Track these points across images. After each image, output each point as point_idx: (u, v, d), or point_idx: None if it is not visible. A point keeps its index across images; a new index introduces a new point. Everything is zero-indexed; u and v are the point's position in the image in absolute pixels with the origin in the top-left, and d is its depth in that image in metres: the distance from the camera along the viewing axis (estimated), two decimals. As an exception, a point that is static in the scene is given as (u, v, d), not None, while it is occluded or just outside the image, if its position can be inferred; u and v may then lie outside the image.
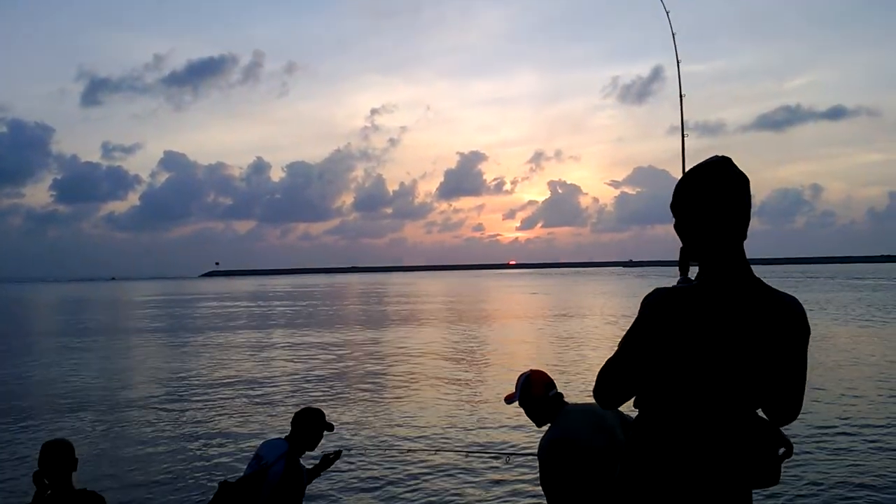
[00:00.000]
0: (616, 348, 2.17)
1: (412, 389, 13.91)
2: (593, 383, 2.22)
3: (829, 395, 12.16)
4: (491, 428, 10.36)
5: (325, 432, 4.86)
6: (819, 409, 10.99)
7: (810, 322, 2.15)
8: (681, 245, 2.27)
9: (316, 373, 16.31)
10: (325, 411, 4.95)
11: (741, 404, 2.10)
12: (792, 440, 2.24)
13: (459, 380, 14.94)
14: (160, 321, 36.56)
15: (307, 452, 4.77)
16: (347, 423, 10.72)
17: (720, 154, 2.17)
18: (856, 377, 13.91)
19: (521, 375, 2.92)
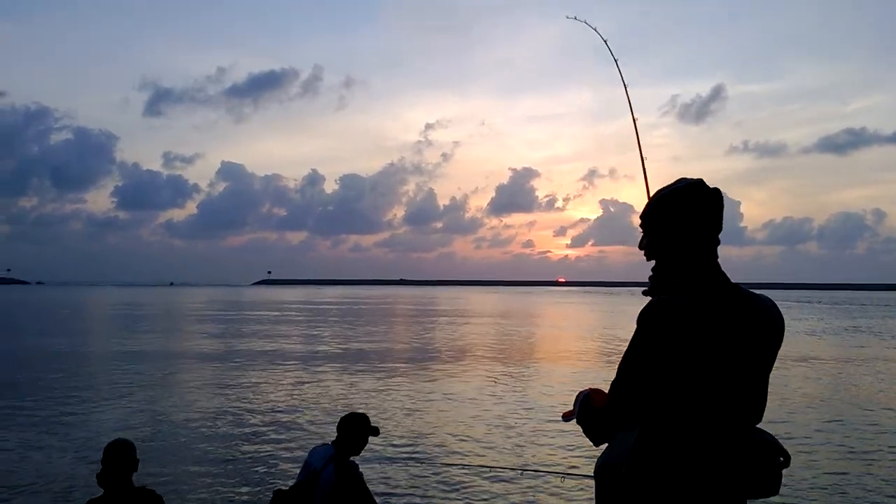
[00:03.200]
0: (620, 370, 2.19)
1: (462, 398, 13.96)
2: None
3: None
4: (545, 446, 10.21)
5: (371, 437, 4.95)
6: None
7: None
8: (651, 263, 2.36)
9: (363, 385, 16.43)
10: (370, 418, 5.06)
11: (744, 414, 2.17)
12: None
13: (509, 390, 14.99)
14: (216, 325, 37.48)
15: (353, 457, 4.87)
16: (396, 435, 10.76)
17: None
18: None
19: (581, 393, 2.94)
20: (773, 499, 2.27)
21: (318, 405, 12.96)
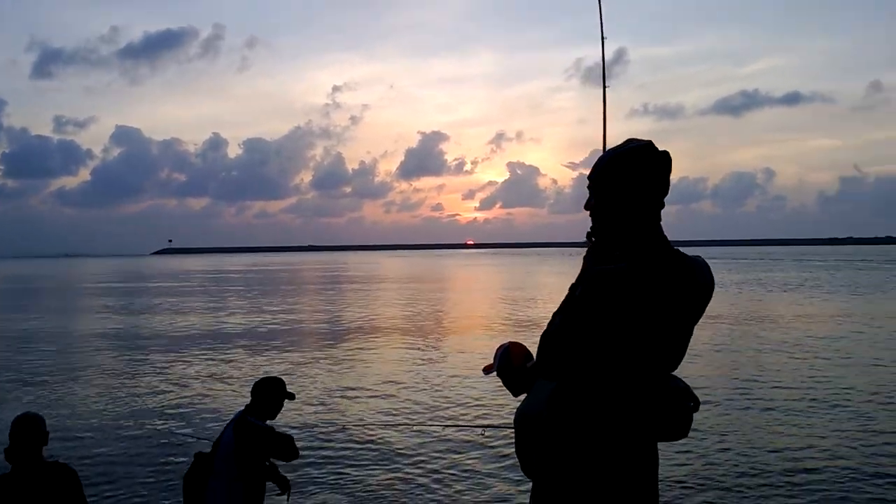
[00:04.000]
0: (556, 320, 2.27)
1: (381, 365, 13.95)
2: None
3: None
4: (466, 403, 10.43)
5: (287, 401, 4.88)
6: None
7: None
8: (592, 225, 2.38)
9: (278, 351, 16.22)
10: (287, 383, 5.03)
11: (662, 364, 2.29)
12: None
13: (426, 352, 15.04)
14: (116, 300, 35.91)
15: (269, 421, 4.78)
16: (315, 401, 10.72)
17: (640, 140, 2.29)
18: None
19: (500, 347, 2.98)
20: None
21: (233, 379, 12.65)
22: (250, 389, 4.83)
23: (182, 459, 7.56)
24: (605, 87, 3.41)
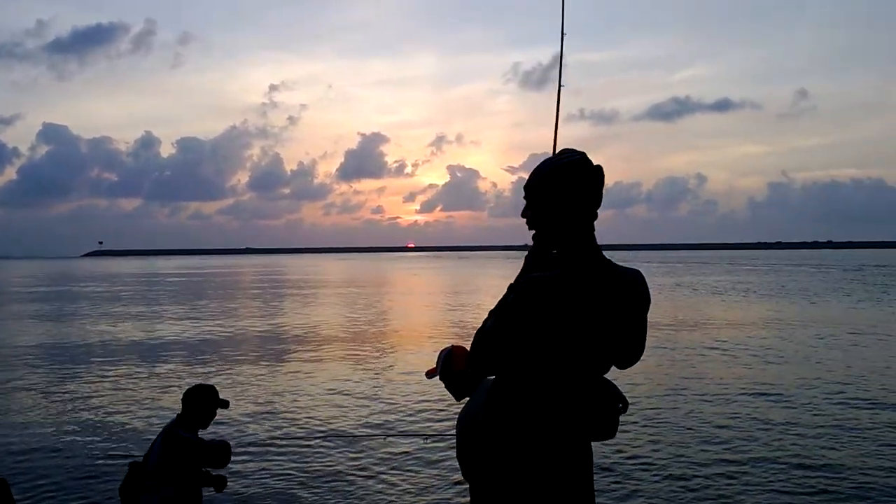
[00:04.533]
0: (489, 321, 2.37)
1: (321, 373, 13.72)
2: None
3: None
4: (408, 412, 10.34)
5: (220, 409, 4.81)
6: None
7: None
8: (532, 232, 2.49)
9: (211, 358, 15.90)
10: (219, 391, 4.91)
11: (593, 370, 2.40)
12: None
13: (367, 360, 14.94)
14: (40, 306, 34.54)
15: (202, 431, 4.72)
16: (250, 412, 10.47)
17: (574, 149, 2.41)
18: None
19: (443, 350, 2.99)
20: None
21: (167, 389, 12.29)
22: (181, 398, 4.73)
23: (115, 470, 7.36)
24: (560, 88, 3.43)
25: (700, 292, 35.48)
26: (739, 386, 11.74)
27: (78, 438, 9.02)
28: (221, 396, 4.88)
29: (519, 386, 2.36)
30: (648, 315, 2.48)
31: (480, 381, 3.34)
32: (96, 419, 10.05)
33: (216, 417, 4.87)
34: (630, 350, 2.47)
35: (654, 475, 7.36)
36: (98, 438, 9.06)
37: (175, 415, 4.72)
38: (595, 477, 2.52)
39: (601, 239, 2.43)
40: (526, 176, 2.48)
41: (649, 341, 2.59)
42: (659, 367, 13.61)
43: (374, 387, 12.17)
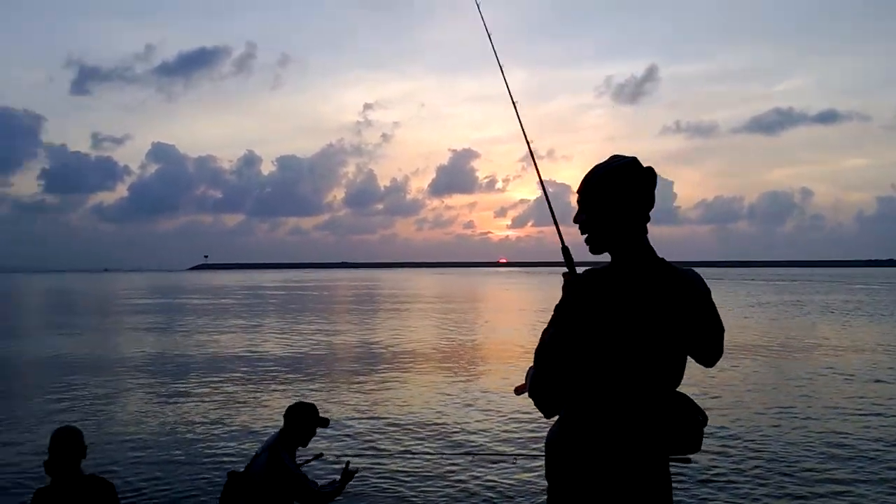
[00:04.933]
0: (541, 336, 2.38)
1: (414, 390, 13.75)
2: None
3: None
4: (498, 427, 10.28)
5: (319, 428, 4.91)
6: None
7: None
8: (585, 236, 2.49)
9: (309, 373, 16.22)
10: (319, 408, 4.98)
11: (658, 373, 2.33)
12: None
13: (459, 377, 14.84)
14: (151, 312, 36.45)
15: (300, 448, 4.84)
16: (344, 424, 10.61)
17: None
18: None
19: (531, 367, 2.95)
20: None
21: (267, 402, 12.57)
22: (283, 414, 4.83)
23: (215, 478, 7.63)
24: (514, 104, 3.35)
25: (810, 312, 33.68)
26: (852, 407, 11.11)
27: (180, 447, 9.35)
28: (321, 414, 4.95)
29: (587, 396, 2.34)
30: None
31: (543, 390, 3.29)
32: (199, 429, 10.39)
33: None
34: (705, 345, 2.39)
35: (761, 490, 7.05)
36: (199, 448, 9.38)
37: (277, 430, 4.82)
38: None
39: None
40: None
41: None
42: (765, 386, 12.95)
43: (465, 404, 12.09)
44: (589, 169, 2.50)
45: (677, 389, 2.40)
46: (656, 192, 2.45)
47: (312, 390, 13.55)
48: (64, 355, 19.21)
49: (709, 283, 2.45)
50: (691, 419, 2.34)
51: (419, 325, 28.71)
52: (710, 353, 2.41)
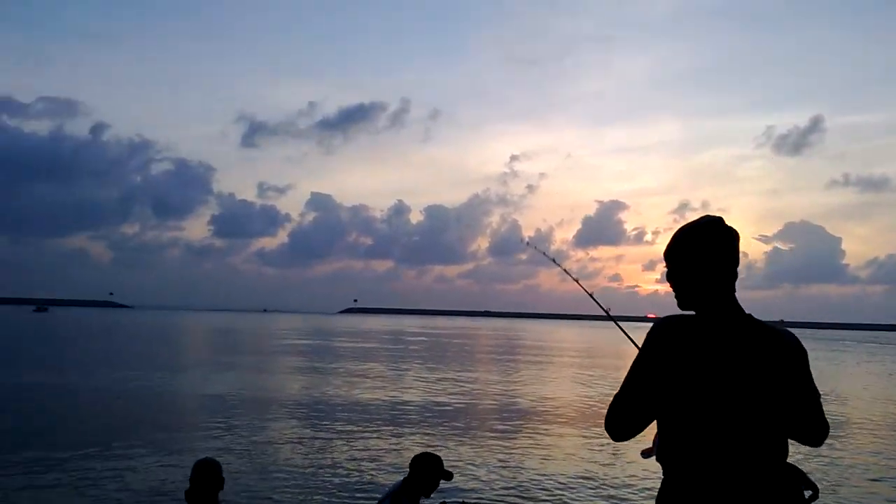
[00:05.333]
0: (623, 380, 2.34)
1: (549, 451, 13.44)
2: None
3: None
4: (626, 489, 10.04)
5: (443, 480, 4.92)
6: None
7: None
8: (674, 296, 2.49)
9: (443, 425, 16.24)
10: (449, 460, 4.97)
11: (755, 437, 2.19)
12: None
13: (597, 438, 14.31)
14: (304, 353, 38.15)
15: (423, 499, 4.87)
16: (476, 473, 10.57)
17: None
18: None
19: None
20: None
21: (394, 452, 12.62)
22: (409, 463, 4.91)
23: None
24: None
25: None
26: None
27: (315, 487, 9.75)
28: (446, 467, 4.98)
29: (691, 457, 2.21)
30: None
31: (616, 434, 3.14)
32: (333, 471, 10.74)
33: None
34: (801, 413, 2.25)
35: None
36: (331, 488, 9.73)
37: (402, 479, 4.88)
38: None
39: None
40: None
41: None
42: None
43: (602, 465, 11.80)
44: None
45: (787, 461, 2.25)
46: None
47: (441, 444, 13.55)
48: (223, 392, 20.37)
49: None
50: (797, 493, 2.22)
51: (558, 379, 28.15)
52: (809, 424, 2.27)
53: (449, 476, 4.94)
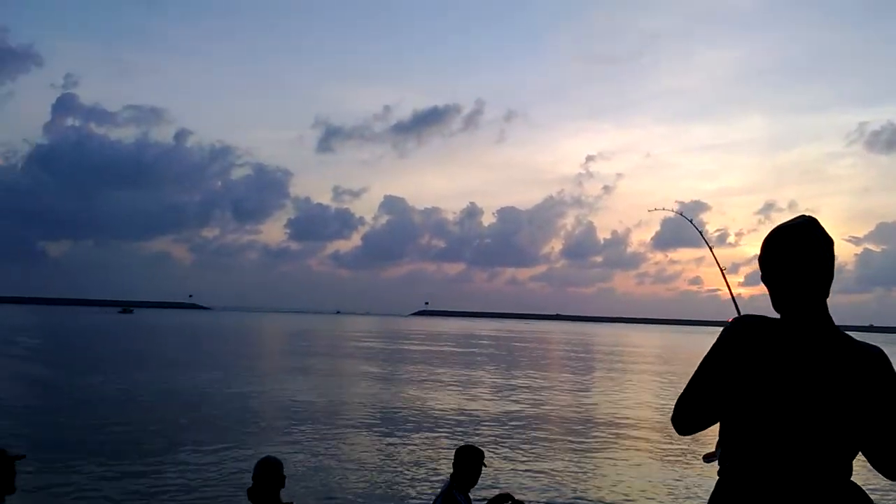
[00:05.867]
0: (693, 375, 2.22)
1: (614, 448, 13.41)
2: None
3: None
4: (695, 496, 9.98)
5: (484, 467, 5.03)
6: None
7: None
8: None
9: (513, 436, 15.77)
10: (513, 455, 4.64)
11: (820, 452, 2.05)
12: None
13: (669, 448, 13.66)
14: (375, 358, 38.29)
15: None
16: (543, 475, 10.62)
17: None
18: None
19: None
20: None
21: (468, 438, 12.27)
22: (453, 455, 5.05)
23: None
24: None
25: None
26: None
27: (378, 489, 10.00)
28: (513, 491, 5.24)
29: (749, 462, 2.10)
30: None
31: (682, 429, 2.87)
32: (395, 478, 10.82)
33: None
34: (881, 436, 2.05)
35: None
36: (396, 494, 9.87)
37: (449, 476, 5.03)
38: None
39: None
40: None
41: None
42: None
43: (673, 473, 11.75)
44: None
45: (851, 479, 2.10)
46: None
47: (512, 455, 13.03)
48: (295, 395, 20.50)
49: None
50: None
51: (632, 385, 27.19)
52: (889, 450, 2.06)
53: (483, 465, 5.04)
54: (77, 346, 44.08)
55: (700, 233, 4.94)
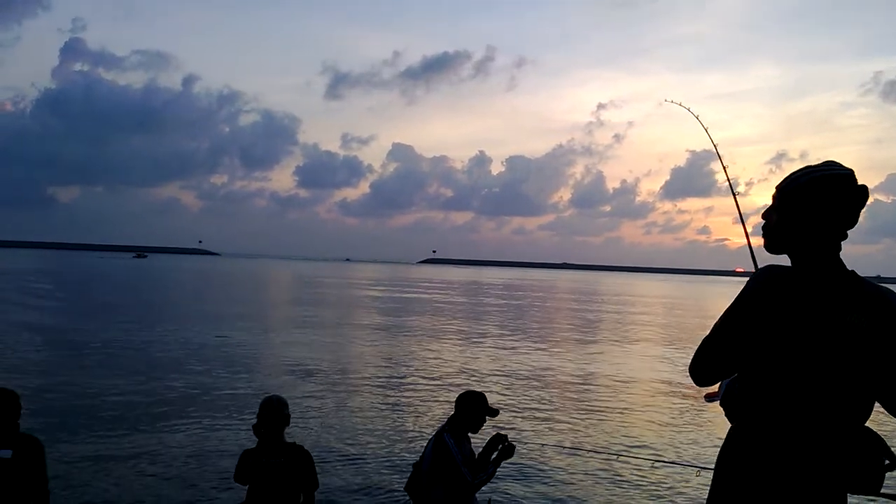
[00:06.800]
0: (714, 326, 2.21)
1: (619, 400, 13.57)
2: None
3: None
4: (688, 435, 10.53)
5: (489, 417, 5.06)
6: None
7: None
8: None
9: (522, 374, 15.84)
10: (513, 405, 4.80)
11: (846, 401, 2.09)
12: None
13: (669, 392, 13.33)
14: (388, 310, 38.52)
15: (471, 434, 5.06)
16: (555, 424, 10.76)
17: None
18: None
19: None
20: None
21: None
22: (454, 401, 5.11)
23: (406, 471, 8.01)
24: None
25: None
26: None
27: (381, 440, 10.08)
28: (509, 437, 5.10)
29: (764, 413, 2.13)
30: None
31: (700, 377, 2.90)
32: (396, 426, 11.00)
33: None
34: (891, 385, 2.10)
35: None
36: (396, 441, 10.02)
37: (447, 418, 5.07)
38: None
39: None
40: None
41: None
42: None
43: (672, 412, 12.20)
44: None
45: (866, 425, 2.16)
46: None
47: (514, 412, 12.95)
48: (299, 345, 20.46)
49: None
50: (875, 461, 2.12)
51: (640, 338, 27.13)
52: None
53: (494, 413, 5.05)
54: (103, 291, 45.06)
55: (721, 160, 5.12)
